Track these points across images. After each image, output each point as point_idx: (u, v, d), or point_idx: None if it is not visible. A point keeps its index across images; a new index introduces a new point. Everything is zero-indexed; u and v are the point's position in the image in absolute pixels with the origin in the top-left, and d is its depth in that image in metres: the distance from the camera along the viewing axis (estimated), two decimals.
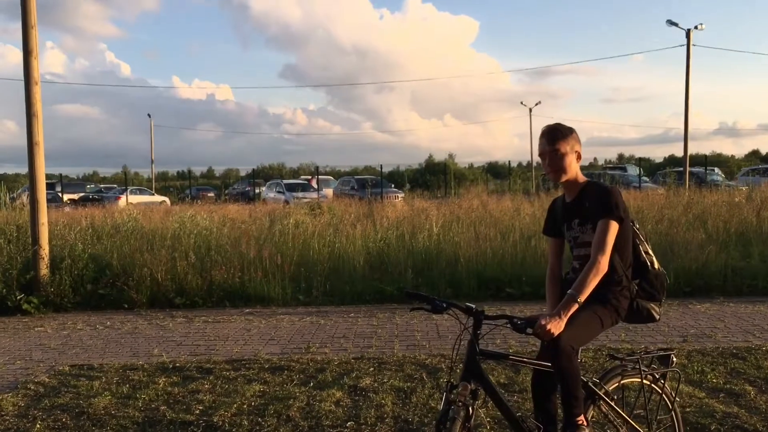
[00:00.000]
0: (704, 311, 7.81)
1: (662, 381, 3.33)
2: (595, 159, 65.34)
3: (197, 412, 4.75)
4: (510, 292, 8.80)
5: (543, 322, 2.76)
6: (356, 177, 37.56)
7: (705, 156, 43.86)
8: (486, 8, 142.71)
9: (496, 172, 56.09)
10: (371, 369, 5.69)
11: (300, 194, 30.65)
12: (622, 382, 3.28)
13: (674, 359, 3.35)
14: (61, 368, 5.97)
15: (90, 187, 45.14)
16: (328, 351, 6.38)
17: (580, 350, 3.03)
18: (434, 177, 47.42)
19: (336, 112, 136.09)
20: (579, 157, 3.17)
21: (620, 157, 79.78)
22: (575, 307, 2.87)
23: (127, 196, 33.96)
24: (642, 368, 3.23)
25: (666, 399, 3.35)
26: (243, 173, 60.09)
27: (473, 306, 2.93)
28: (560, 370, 2.86)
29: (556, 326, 2.79)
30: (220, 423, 4.51)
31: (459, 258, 9.58)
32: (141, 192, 39.37)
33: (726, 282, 8.88)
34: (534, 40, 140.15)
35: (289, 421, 4.53)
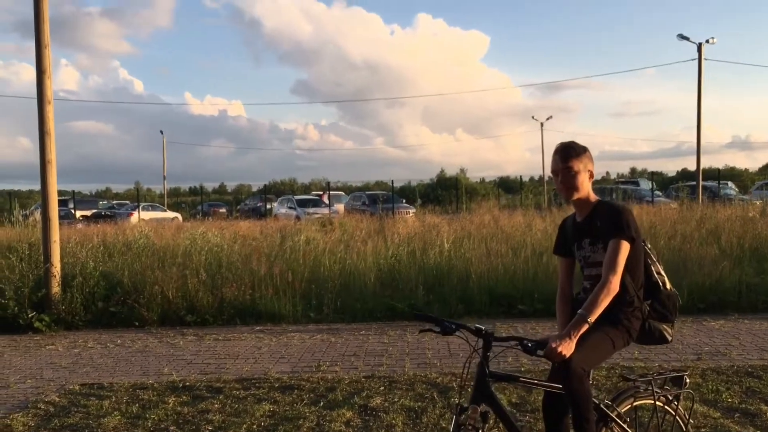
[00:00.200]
0: (718, 328, 7.72)
1: (675, 402, 3.28)
2: (607, 173, 65.09)
3: None
4: (522, 309, 8.73)
5: (553, 345, 2.73)
6: (367, 192, 37.60)
7: (718, 170, 43.56)
8: (496, 23, 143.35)
9: (507, 186, 55.96)
10: (382, 388, 5.65)
11: (311, 210, 30.69)
12: (634, 403, 3.23)
13: (687, 380, 3.30)
14: (71, 387, 5.97)
15: (102, 203, 45.43)
16: (339, 369, 6.35)
17: (591, 371, 2.99)
18: (446, 192, 47.35)
19: (347, 127, 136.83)
20: (591, 176, 3.16)
21: (632, 171, 79.53)
22: (585, 327, 2.84)
23: (139, 212, 34.18)
24: (655, 390, 3.18)
25: (680, 421, 3.29)
26: (255, 189, 60.33)
27: (483, 327, 2.91)
28: (571, 393, 2.82)
29: (567, 348, 2.76)
30: None
31: (470, 274, 9.54)
32: (153, 208, 39.57)
33: (740, 298, 8.77)
34: (545, 55, 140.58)
35: None
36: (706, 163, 43.83)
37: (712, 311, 8.54)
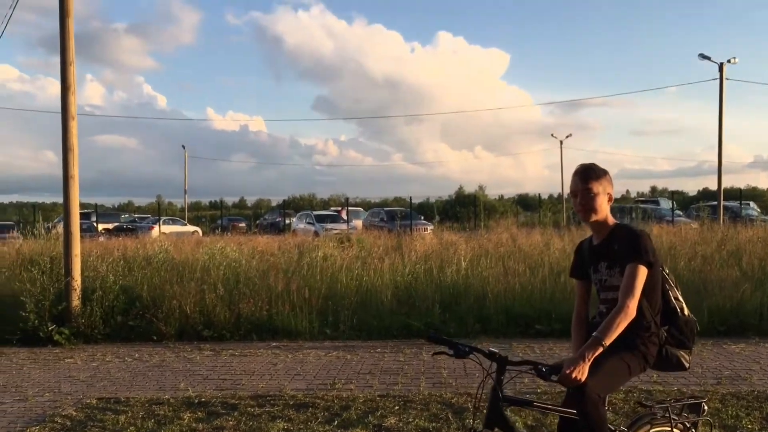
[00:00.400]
0: (739, 352, 7.61)
1: (693, 430, 3.23)
2: (627, 191, 64.60)
3: None
4: (539, 329, 8.66)
5: (567, 372, 2.71)
6: (386, 208, 37.65)
7: (740, 190, 43.11)
8: (516, 41, 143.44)
9: (526, 204, 55.75)
10: (396, 407, 5.63)
11: (330, 226, 30.79)
12: (651, 430, 3.18)
13: (706, 407, 3.25)
14: (88, 401, 6.01)
15: (124, 216, 45.95)
16: (354, 387, 6.34)
17: (607, 396, 2.96)
18: (464, 209, 47.29)
19: (367, 143, 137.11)
20: (610, 199, 3.15)
21: (653, 189, 78.81)
22: (600, 350, 2.82)
23: (159, 226, 34.46)
24: (672, 416, 3.14)
25: None
26: (274, 203, 60.69)
27: (496, 351, 2.90)
28: (586, 418, 2.80)
29: (581, 371, 2.74)
30: None
31: (487, 293, 9.50)
32: (174, 222, 39.91)
33: (762, 321, 8.64)
34: (565, 73, 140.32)
35: None
36: (727, 182, 43.41)
37: (733, 334, 8.42)
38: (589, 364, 2.77)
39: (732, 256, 11.24)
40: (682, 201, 46.94)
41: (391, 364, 7.28)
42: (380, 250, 13.30)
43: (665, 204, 38.25)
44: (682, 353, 3.12)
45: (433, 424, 5.17)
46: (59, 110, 9.53)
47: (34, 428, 5.25)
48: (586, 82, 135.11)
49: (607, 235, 3.14)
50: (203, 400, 5.96)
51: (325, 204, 63.34)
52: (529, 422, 5.14)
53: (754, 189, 61.40)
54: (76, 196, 9.55)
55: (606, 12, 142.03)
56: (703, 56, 32.00)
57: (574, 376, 2.70)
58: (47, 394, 6.34)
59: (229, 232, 22.53)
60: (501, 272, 10.33)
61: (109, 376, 6.99)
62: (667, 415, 3.14)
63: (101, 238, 21.75)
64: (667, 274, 3.17)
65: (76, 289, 9.16)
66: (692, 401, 3.24)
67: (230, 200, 78.98)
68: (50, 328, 8.65)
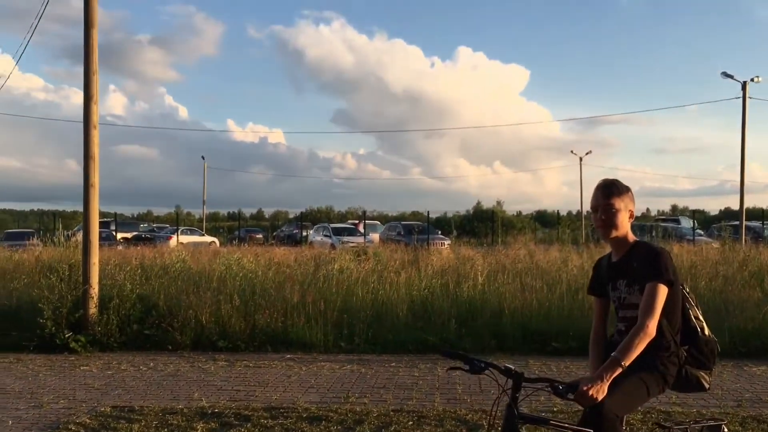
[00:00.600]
0: (761, 374, 7.46)
1: None
2: (647, 210, 64.04)
3: None
4: (556, 347, 8.56)
5: (585, 388, 2.66)
6: (403, 222, 37.61)
7: (762, 210, 42.56)
8: (536, 58, 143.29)
9: (544, 220, 55.55)
10: (410, 423, 5.57)
11: (346, 239, 30.82)
12: None
13: (726, 429, 3.18)
14: (102, 409, 6.02)
15: (143, 226, 46.32)
16: (368, 401, 6.29)
17: (625, 417, 2.90)
18: (482, 224, 47.19)
19: (385, 157, 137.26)
20: (632, 216, 3.11)
21: (673, 208, 78.15)
22: (618, 370, 2.77)
23: (177, 236, 34.69)
24: None
25: None
26: (291, 215, 60.86)
27: (512, 368, 2.85)
28: None
29: (598, 391, 2.69)
30: None
31: (504, 309, 9.42)
32: (191, 232, 40.18)
33: None
34: (585, 90, 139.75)
35: None
36: (749, 202, 43.02)
37: (755, 356, 8.26)
38: (608, 384, 2.72)
39: (754, 277, 11.08)
40: (703, 220, 46.44)
41: (406, 379, 7.23)
42: (396, 263, 13.27)
43: (686, 223, 37.87)
44: (703, 374, 3.06)
45: None
46: (82, 120, 9.65)
47: None
48: (606, 99, 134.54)
49: (627, 252, 3.10)
50: (217, 410, 5.95)
51: (343, 217, 63.48)
52: None
53: None
54: (96, 205, 9.63)
55: (627, 29, 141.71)
56: (726, 75, 31.85)
57: (591, 394, 2.65)
58: (62, 401, 6.36)
59: (246, 243, 22.61)
60: (518, 288, 10.26)
61: (124, 385, 7.00)
62: None
63: (120, 247, 21.93)
64: (688, 293, 3.12)
65: (93, 297, 9.22)
66: (712, 423, 3.17)
67: (248, 211, 79.39)
68: (67, 336, 8.70)
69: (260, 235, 37.77)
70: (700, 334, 3.06)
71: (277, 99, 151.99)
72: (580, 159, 55.36)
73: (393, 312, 9.57)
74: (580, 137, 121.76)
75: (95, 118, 9.60)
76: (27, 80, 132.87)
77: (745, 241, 23.18)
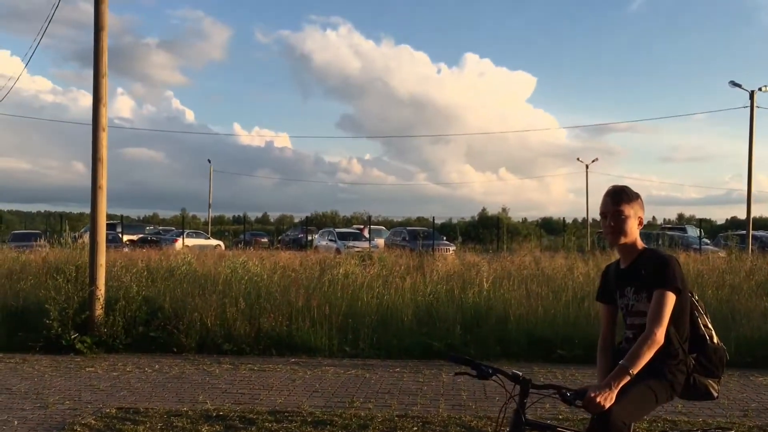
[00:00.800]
0: (767, 384, 7.43)
1: None
2: (653, 218, 63.93)
3: None
4: (561, 354, 8.54)
5: (593, 395, 2.66)
6: (408, 228, 37.63)
7: None
8: (543, 65, 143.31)
9: (550, 227, 55.46)
10: (415, 428, 5.56)
11: (351, 243, 30.84)
12: None
13: None
14: (107, 411, 6.03)
15: (149, 228, 46.41)
16: (372, 407, 6.29)
17: (632, 425, 2.90)
18: (487, 230, 47.14)
19: (391, 162, 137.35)
20: (641, 223, 3.11)
21: (680, 217, 77.88)
22: (627, 379, 2.76)
23: (183, 239, 34.78)
24: None
25: None
26: (297, 220, 60.99)
27: (520, 374, 2.85)
28: None
29: (606, 399, 2.68)
30: None
31: (509, 316, 9.41)
32: (197, 235, 40.28)
33: None
34: (592, 97, 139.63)
35: None
36: (756, 212, 42.78)
37: (761, 366, 8.21)
38: (616, 392, 2.71)
39: (761, 286, 11.04)
40: (710, 229, 46.32)
41: (411, 385, 7.22)
42: (402, 269, 13.26)
43: (692, 232, 37.73)
44: (711, 382, 3.04)
45: None
46: (90, 122, 9.70)
47: None
48: (612, 107, 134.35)
49: (635, 259, 3.09)
50: (221, 413, 5.95)
51: (348, 222, 63.45)
52: None
53: None
54: (104, 207, 9.67)
55: (634, 37, 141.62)
56: (734, 83, 31.78)
57: (599, 401, 2.65)
58: (67, 402, 6.38)
59: (252, 247, 22.64)
60: (524, 295, 10.24)
61: (129, 386, 7.01)
62: None
63: (126, 249, 21.99)
64: (697, 301, 3.11)
65: (99, 299, 9.24)
66: (719, 431, 3.16)
67: (253, 215, 79.67)
68: (73, 337, 8.73)
69: (265, 239, 37.82)
70: (708, 342, 3.05)
71: (284, 103, 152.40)
72: (587, 166, 55.32)
73: (398, 317, 9.57)
74: (587, 145, 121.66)
75: (104, 120, 9.65)
76: (35, 82, 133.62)
77: (752, 250, 23.11)
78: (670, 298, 2.87)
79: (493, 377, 2.91)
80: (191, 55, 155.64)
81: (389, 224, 49.43)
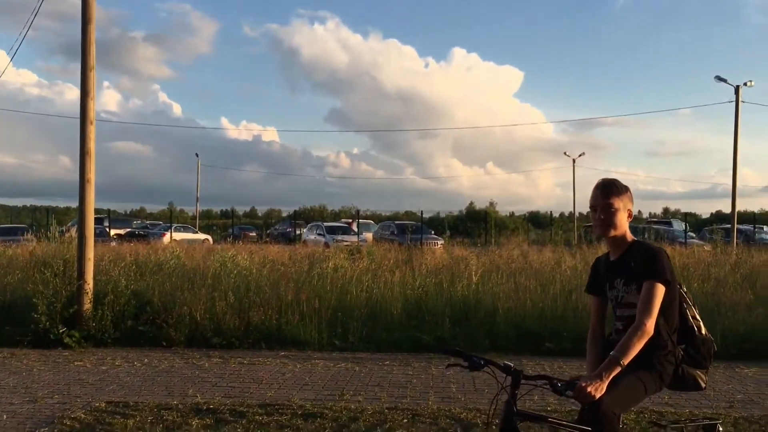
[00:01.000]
0: (752, 376, 7.52)
1: None
2: (639, 212, 64.28)
3: None
4: (549, 347, 8.60)
5: (583, 385, 2.69)
6: (396, 222, 37.63)
7: (753, 213, 42.87)
8: (530, 59, 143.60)
9: (537, 221, 55.62)
10: (405, 420, 5.60)
11: (340, 237, 30.81)
12: None
13: (721, 429, 3.21)
14: (97, 405, 6.02)
15: (136, 222, 46.17)
16: (362, 399, 6.31)
17: (622, 415, 2.93)
18: (475, 224, 47.26)
19: (379, 156, 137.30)
20: (630, 215, 3.14)
21: (665, 211, 78.47)
22: (617, 369, 2.80)
23: (171, 233, 34.61)
24: None
25: None
26: (285, 214, 60.83)
27: (511, 365, 2.88)
28: None
29: (597, 389, 2.72)
30: None
31: (498, 309, 9.46)
32: (185, 229, 40.09)
33: None
34: (579, 92, 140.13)
35: None
36: (741, 206, 43.27)
37: (746, 358, 8.31)
38: (607, 383, 2.75)
39: (746, 279, 11.15)
40: (695, 223, 46.70)
41: (400, 377, 7.26)
42: (390, 263, 13.27)
43: (678, 225, 38.05)
44: (699, 373, 3.09)
45: None
46: (76, 115, 9.65)
47: (43, 429, 5.26)
48: (599, 102, 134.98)
49: (625, 251, 3.13)
50: (212, 407, 5.95)
51: (336, 216, 63.41)
52: None
53: None
54: (92, 200, 9.61)
55: (621, 32, 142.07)
56: (719, 78, 31.95)
57: (590, 392, 2.68)
58: (56, 396, 6.36)
59: (240, 241, 22.57)
60: (512, 288, 10.29)
61: (119, 380, 7.00)
62: None
63: (113, 244, 21.85)
64: (685, 293, 3.15)
65: (88, 293, 9.20)
66: (707, 422, 3.20)
67: (241, 209, 79.33)
68: (61, 331, 8.69)
69: (254, 233, 37.64)
70: (697, 333, 3.09)
71: (272, 97, 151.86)
72: (573, 161, 55.59)
73: (387, 311, 9.59)
74: (574, 139, 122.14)
75: (92, 113, 9.59)
76: (21, 76, 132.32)
77: (737, 244, 23.30)
78: (660, 290, 2.91)
79: (485, 368, 2.94)
80: (179, 48, 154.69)
81: (377, 218, 49.41)
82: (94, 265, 9.67)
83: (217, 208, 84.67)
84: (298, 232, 38.11)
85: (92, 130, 9.57)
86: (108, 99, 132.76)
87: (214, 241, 33.40)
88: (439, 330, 8.97)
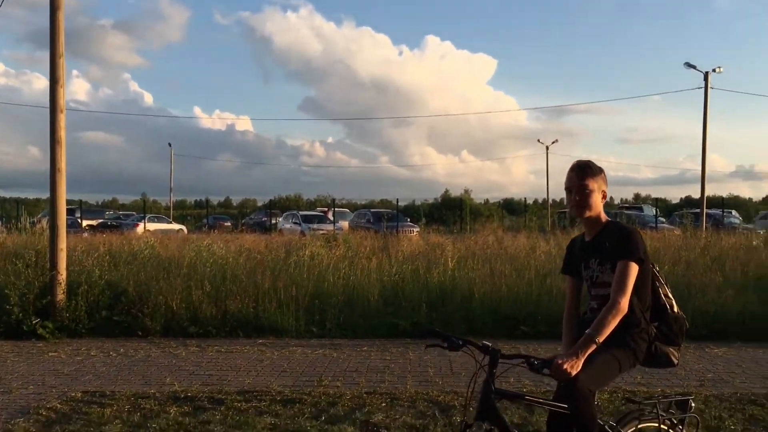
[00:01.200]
0: (722, 355, 7.70)
1: (680, 426, 3.27)
2: (611, 198, 64.93)
3: None
4: (525, 330, 8.72)
5: (560, 362, 2.74)
6: (372, 210, 37.65)
7: (722, 198, 43.62)
8: (504, 47, 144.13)
9: (511, 208, 56.05)
10: (383, 404, 5.64)
11: (316, 226, 30.77)
12: (639, 426, 3.22)
13: (693, 405, 3.29)
14: (73, 394, 5.97)
15: (109, 213, 45.56)
16: (341, 384, 6.35)
17: (596, 392, 2.99)
18: (450, 212, 47.42)
19: (354, 145, 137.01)
20: (604, 196, 3.19)
21: (636, 197, 79.47)
22: (593, 347, 2.85)
23: (144, 223, 34.25)
24: (660, 413, 3.18)
25: None
26: (260, 203, 60.42)
27: (489, 344, 2.92)
28: (577, 412, 2.83)
29: (573, 366, 2.77)
30: None
31: (474, 294, 9.54)
32: (159, 220, 39.65)
33: (744, 326, 8.74)
34: (551, 79, 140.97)
35: None
36: (710, 191, 43.88)
37: (716, 338, 8.50)
38: (583, 360, 2.80)
39: (715, 261, 11.36)
40: (665, 208, 47.34)
41: (378, 363, 7.30)
42: (367, 250, 13.28)
43: (649, 211, 38.58)
44: (672, 350, 3.16)
45: (420, 421, 5.20)
46: (46, 105, 9.51)
47: (19, 420, 5.21)
48: (572, 89, 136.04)
49: (599, 231, 3.17)
50: (189, 394, 5.94)
51: (312, 205, 63.21)
52: (515, 420, 5.17)
53: (736, 198, 62.31)
54: (63, 190, 9.49)
55: (593, 19, 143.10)
56: (689, 65, 32.39)
57: (566, 369, 2.73)
58: (31, 386, 6.29)
59: (215, 230, 22.43)
60: (487, 274, 10.37)
61: (94, 370, 6.95)
62: (655, 411, 3.18)
63: (85, 235, 21.58)
64: (658, 272, 3.21)
65: (61, 283, 9.10)
66: (680, 398, 3.28)
67: (215, 199, 78.68)
68: (34, 322, 8.59)
69: (229, 223, 37.41)
70: (669, 311, 3.16)
71: (245, 86, 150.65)
72: (547, 148, 56.01)
73: (364, 297, 9.62)
74: (547, 126, 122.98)
75: (62, 102, 9.44)
76: None
77: (706, 227, 23.67)
78: (634, 269, 2.96)
79: (464, 348, 2.97)
80: (149, 36, 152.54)
81: (353, 207, 49.31)
82: (67, 256, 9.55)
83: (191, 199, 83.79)
84: (273, 221, 37.97)
85: (62, 119, 9.42)
86: (77, 88, 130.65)
87: (188, 232, 33.12)
88: (415, 316, 9.02)
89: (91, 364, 7.26)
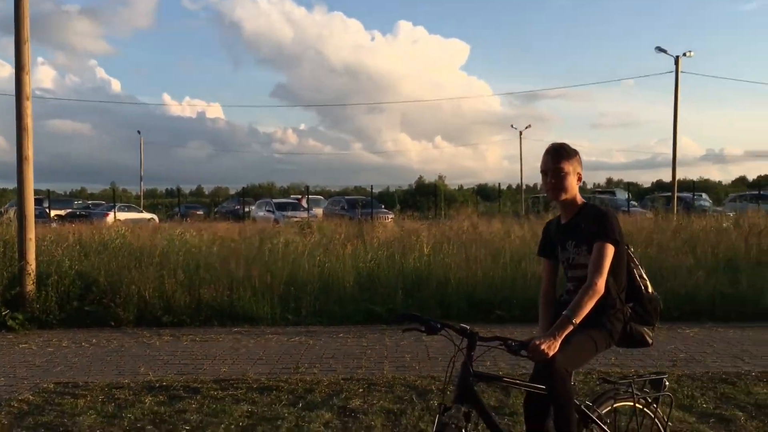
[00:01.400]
0: (693, 336, 7.82)
1: (655, 405, 3.31)
2: (584, 183, 65.61)
3: None
4: (500, 314, 8.78)
5: (537, 343, 2.75)
6: (346, 197, 37.55)
7: (693, 182, 44.27)
8: (477, 32, 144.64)
9: (485, 194, 56.28)
10: (361, 390, 5.64)
11: (290, 213, 30.56)
12: (614, 405, 3.26)
13: (666, 383, 3.33)
14: (45, 386, 5.87)
15: (77, 203, 44.80)
16: (317, 371, 6.33)
17: (573, 373, 3.01)
18: (424, 198, 47.53)
19: (326, 132, 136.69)
20: (580, 178, 3.20)
21: (608, 181, 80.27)
22: (570, 328, 2.87)
23: (115, 212, 33.77)
24: (635, 392, 3.21)
25: (658, 423, 3.33)
26: (232, 192, 59.96)
27: (467, 327, 2.92)
28: (554, 393, 2.85)
29: (551, 347, 2.78)
30: None
31: (449, 279, 9.56)
32: (129, 209, 39.12)
33: (714, 307, 8.90)
34: (524, 64, 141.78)
35: None
36: (681, 174, 44.67)
37: (687, 319, 8.64)
38: (560, 341, 2.82)
39: (686, 244, 11.53)
40: (637, 192, 47.91)
41: (354, 349, 7.29)
42: (342, 237, 13.24)
43: (621, 195, 39.03)
44: (646, 330, 3.19)
45: (398, 406, 5.20)
46: (11, 92, 9.28)
47: None
48: (545, 74, 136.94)
49: (575, 214, 3.18)
50: (164, 384, 5.88)
51: (285, 192, 62.81)
52: (492, 403, 5.20)
53: (706, 181, 63.35)
54: (31, 178, 9.30)
55: (566, 4, 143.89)
56: (659, 49, 32.71)
57: (543, 349, 2.74)
58: (2, 379, 6.18)
59: (188, 219, 22.19)
60: (463, 259, 10.40)
61: (66, 361, 6.84)
62: (630, 390, 3.21)
63: (54, 225, 21.23)
64: (632, 253, 3.24)
65: (30, 274, 8.93)
66: (654, 377, 3.32)
67: (187, 188, 78.06)
68: (4, 313, 8.43)
69: (201, 212, 37.04)
70: (644, 291, 3.18)
71: (215, 73, 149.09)
72: (520, 133, 56.41)
73: (340, 284, 9.59)
74: (520, 112, 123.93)
75: (28, 89, 9.23)
76: None
77: (677, 211, 24.05)
78: (610, 250, 2.98)
79: (442, 332, 2.97)
80: (116, 22, 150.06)
81: (327, 194, 49.18)
82: (36, 246, 9.38)
83: (162, 187, 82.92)
84: (246, 209, 37.66)
85: (29, 106, 9.22)
86: (43, 75, 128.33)
87: (160, 221, 32.75)
88: (391, 302, 9.02)
89: (63, 355, 7.15)
